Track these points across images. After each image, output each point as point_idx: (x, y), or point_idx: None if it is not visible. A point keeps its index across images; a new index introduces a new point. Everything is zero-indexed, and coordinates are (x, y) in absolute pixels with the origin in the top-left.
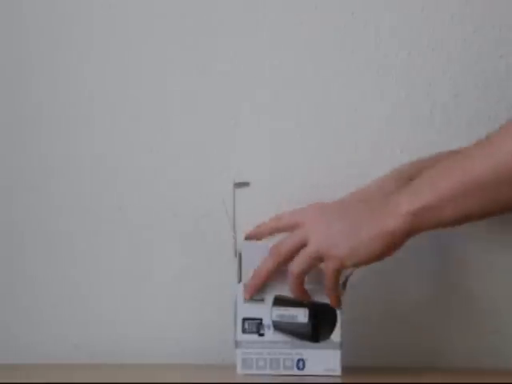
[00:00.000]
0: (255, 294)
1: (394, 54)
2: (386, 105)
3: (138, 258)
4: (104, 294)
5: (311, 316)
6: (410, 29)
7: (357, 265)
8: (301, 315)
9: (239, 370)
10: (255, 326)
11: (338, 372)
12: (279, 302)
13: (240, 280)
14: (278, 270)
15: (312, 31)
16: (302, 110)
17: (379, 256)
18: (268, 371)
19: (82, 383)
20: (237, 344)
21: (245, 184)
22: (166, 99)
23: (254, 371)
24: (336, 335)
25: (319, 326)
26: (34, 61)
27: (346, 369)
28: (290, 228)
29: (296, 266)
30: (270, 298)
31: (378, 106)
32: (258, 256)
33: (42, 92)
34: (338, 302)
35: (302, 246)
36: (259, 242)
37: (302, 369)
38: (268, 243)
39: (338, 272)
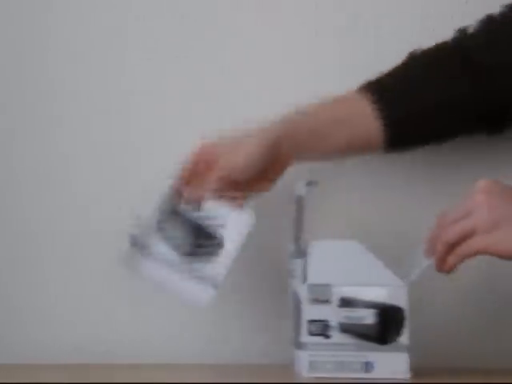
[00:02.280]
0: None
1: (393, 54)
2: None
3: None
4: (103, 294)
5: (379, 317)
6: (410, 29)
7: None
8: (368, 316)
9: (305, 373)
10: (321, 327)
11: (407, 375)
12: (346, 302)
13: (305, 280)
14: None
15: (312, 31)
16: None
17: None
18: (335, 374)
19: (82, 383)
20: (302, 346)
21: (314, 183)
22: (166, 99)
23: (321, 374)
24: (404, 337)
25: (387, 328)
26: (34, 61)
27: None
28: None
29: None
30: (336, 299)
31: None
32: (325, 255)
33: (41, 93)
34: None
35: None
36: (327, 241)
37: (370, 372)
38: (337, 241)
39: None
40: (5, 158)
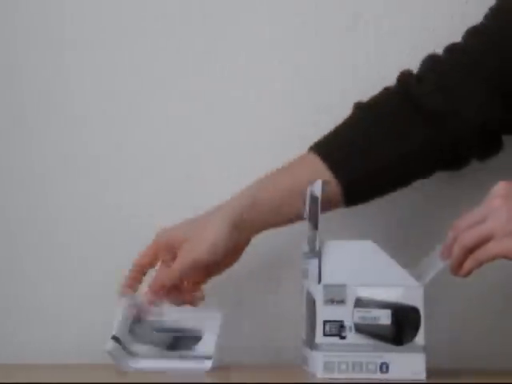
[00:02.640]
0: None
1: (393, 54)
2: None
3: None
4: (104, 294)
5: (394, 318)
6: (410, 29)
7: None
8: (384, 317)
9: (320, 374)
10: (336, 328)
11: (423, 376)
12: (361, 303)
13: (320, 280)
14: None
15: (312, 31)
16: (302, 111)
17: None
18: (350, 375)
19: (82, 383)
20: (317, 347)
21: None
22: (166, 99)
23: (336, 375)
24: (420, 338)
25: (402, 328)
26: (33, 61)
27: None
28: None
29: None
30: (351, 299)
31: None
32: (341, 255)
33: (41, 93)
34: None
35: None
36: (342, 241)
37: (386, 372)
38: (352, 241)
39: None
40: (5, 158)
